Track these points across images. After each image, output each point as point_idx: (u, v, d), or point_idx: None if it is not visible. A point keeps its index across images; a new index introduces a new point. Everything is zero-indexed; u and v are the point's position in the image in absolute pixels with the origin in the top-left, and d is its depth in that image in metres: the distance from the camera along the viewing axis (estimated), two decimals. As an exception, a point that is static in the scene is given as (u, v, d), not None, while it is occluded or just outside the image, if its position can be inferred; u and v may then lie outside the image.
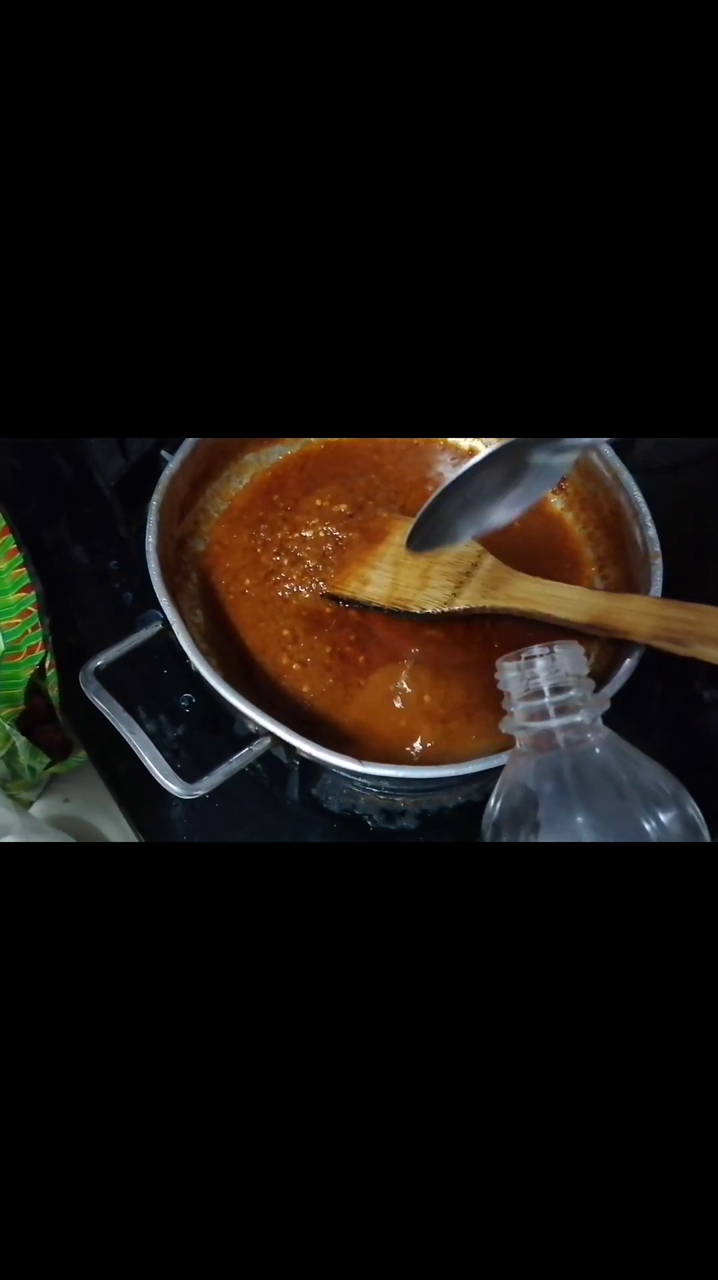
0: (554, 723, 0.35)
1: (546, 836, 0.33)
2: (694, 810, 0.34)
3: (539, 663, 0.36)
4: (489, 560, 0.50)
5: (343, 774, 0.47)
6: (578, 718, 0.35)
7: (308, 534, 0.52)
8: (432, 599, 0.49)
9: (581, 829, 0.32)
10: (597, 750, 0.35)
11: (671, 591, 0.46)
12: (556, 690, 0.35)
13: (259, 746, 0.43)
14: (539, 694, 0.36)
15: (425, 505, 0.42)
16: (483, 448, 0.58)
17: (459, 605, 0.49)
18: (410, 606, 0.49)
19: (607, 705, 0.38)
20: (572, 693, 0.35)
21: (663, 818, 0.33)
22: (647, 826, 0.33)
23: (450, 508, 0.41)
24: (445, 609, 0.49)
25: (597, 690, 0.38)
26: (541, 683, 0.35)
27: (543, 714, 0.35)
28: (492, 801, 0.36)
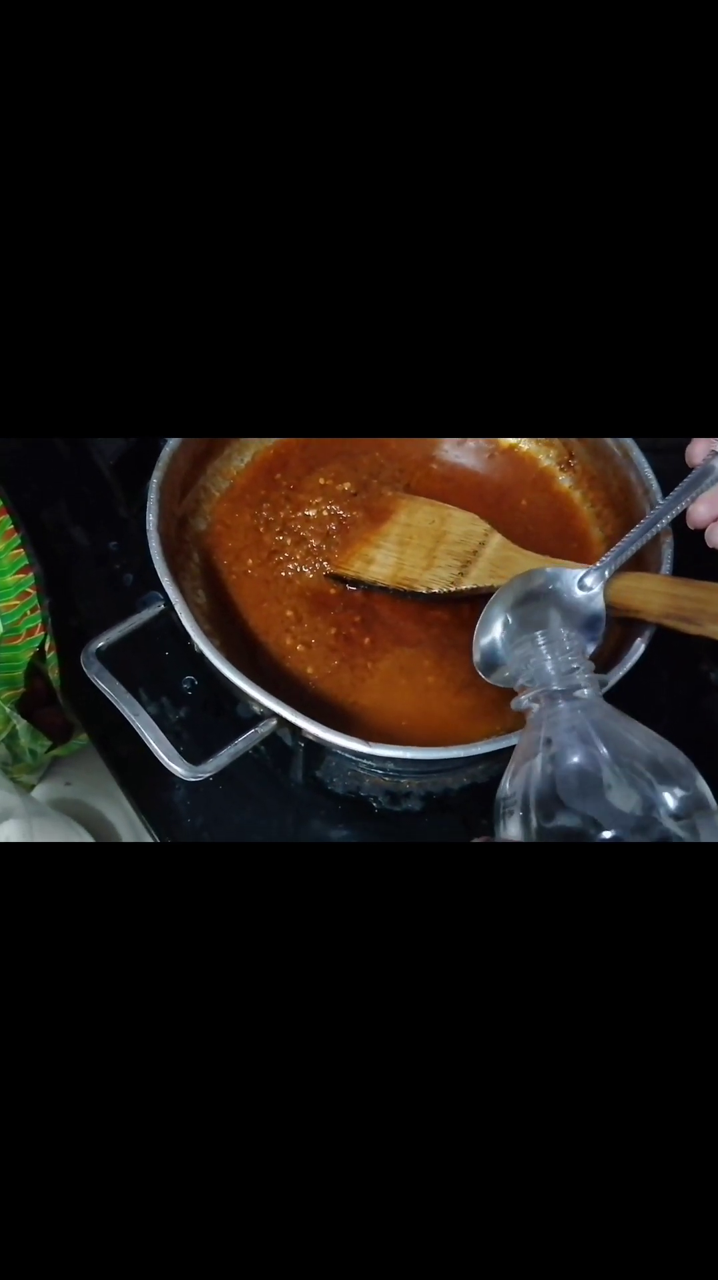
0: (553, 673, 0.38)
1: (565, 765, 0.35)
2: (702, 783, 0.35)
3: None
4: (497, 539, 0.49)
5: (348, 756, 0.46)
6: (576, 665, 0.38)
7: (311, 513, 0.51)
8: (438, 578, 0.49)
9: (600, 760, 0.35)
10: (599, 702, 0.38)
11: (681, 571, 0.46)
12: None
13: (265, 728, 0.42)
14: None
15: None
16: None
17: (466, 585, 0.48)
18: (416, 586, 0.49)
19: (606, 680, 0.40)
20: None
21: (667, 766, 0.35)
22: (664, 795, 0.34)
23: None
24: (452, 588, 0.48)
25: (610, 672, 0.40)
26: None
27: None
28: (504, 782, 0.36)
